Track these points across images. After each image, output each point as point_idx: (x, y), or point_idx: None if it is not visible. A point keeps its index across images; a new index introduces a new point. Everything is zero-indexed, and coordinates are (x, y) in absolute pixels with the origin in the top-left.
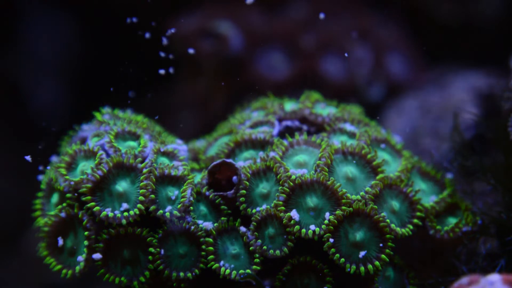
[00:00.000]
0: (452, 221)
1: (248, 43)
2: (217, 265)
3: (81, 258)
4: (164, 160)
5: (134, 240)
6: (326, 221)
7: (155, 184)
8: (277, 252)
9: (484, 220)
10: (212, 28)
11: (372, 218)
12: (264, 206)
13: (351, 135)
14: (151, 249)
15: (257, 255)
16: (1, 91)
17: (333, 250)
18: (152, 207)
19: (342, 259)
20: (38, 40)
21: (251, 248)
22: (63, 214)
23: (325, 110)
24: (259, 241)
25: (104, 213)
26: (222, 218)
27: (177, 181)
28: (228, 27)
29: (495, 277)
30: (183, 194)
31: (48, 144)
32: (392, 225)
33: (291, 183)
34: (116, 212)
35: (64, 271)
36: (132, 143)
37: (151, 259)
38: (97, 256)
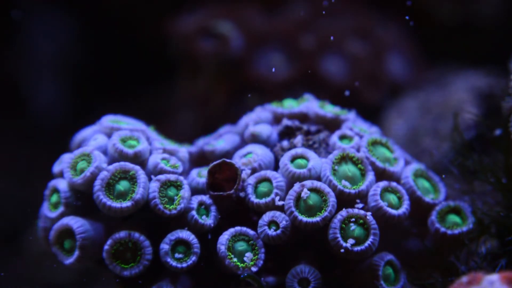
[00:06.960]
0: (453, 219)
1: (248, 43)
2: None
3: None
4: (164, 161)
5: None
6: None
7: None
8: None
9: (484, 220)
10: (212, 28)
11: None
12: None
13: (350, 138)
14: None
15: (256, 251)
16: (1, 91)
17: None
18: (153, 206)
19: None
20: (38, 40)
21: (251, 242)
22: (62, 214)
23: (326, 110)
24: (261, 237)
25: (109, 202)
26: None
27: (177, 181)
28: (229, 27)
29: (494, 277)
30: (182, 193)
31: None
32: (388, 208)
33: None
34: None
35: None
36: (132, 143)
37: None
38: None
